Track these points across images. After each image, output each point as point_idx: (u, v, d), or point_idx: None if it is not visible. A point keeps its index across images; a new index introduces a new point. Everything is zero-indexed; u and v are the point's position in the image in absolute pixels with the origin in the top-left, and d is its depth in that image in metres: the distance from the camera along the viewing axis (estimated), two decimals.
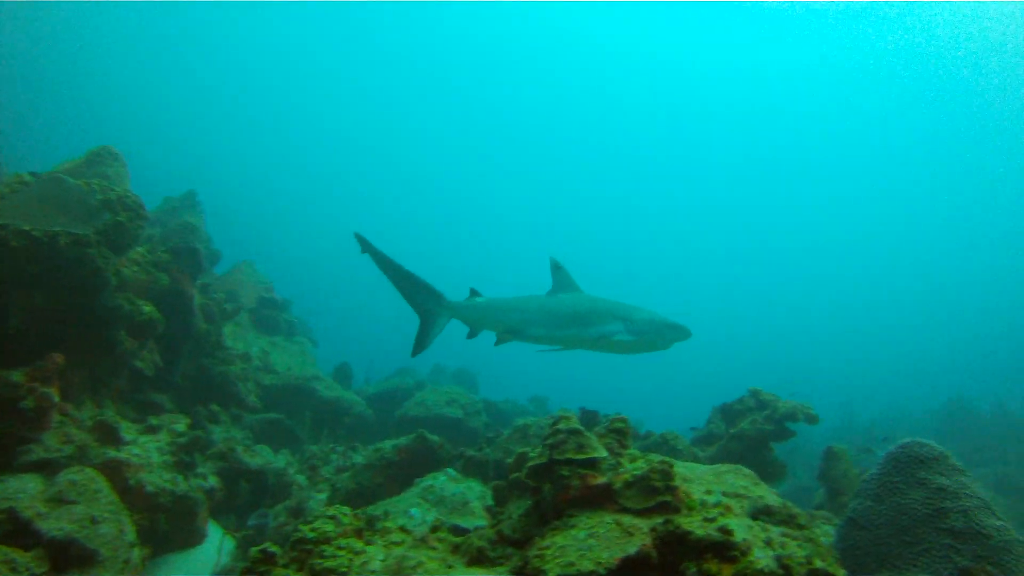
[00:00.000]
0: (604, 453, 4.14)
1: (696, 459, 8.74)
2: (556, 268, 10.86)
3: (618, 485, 3.98)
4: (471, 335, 11.11)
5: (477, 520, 6.80)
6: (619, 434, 4.46)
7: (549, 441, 4.16)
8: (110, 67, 63.55)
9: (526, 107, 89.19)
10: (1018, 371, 40.34)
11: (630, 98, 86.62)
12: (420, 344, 10.80)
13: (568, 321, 10.20)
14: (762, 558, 3.52)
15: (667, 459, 4.16)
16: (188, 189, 15.88)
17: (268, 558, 4.00)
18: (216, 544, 8.02)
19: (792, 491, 15.71)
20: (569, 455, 4.04)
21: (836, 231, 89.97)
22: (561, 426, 4.21)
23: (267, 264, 18.80)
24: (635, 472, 4.00)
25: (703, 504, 3.97)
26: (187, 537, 7.81)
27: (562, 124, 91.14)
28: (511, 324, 10.56)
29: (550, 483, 4.08)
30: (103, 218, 8.26)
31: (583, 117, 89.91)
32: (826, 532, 6.34)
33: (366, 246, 10.53)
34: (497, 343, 10.84)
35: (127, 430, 8.02)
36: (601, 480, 3.98)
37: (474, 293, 11.12)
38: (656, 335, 9.74)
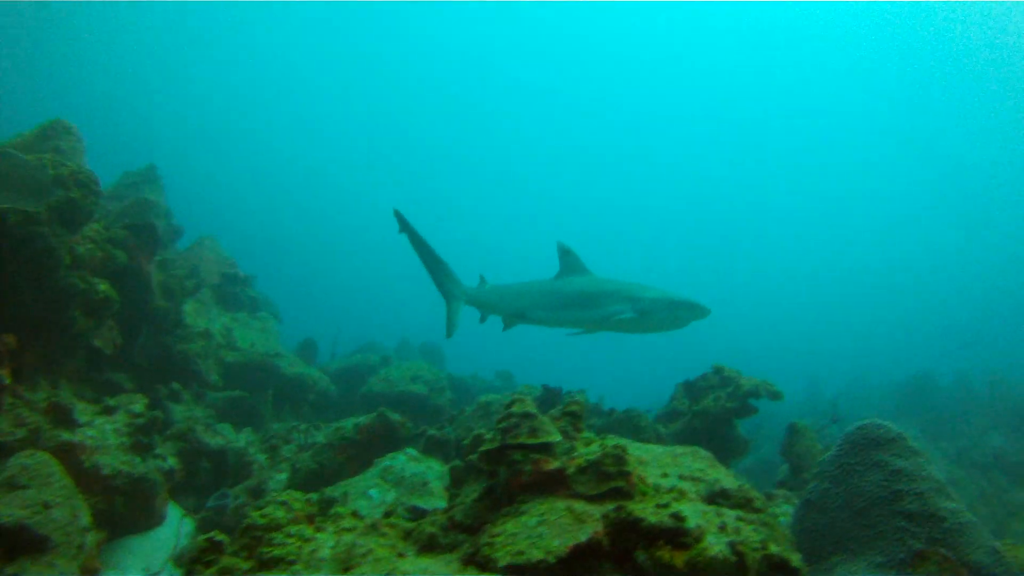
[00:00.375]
0: (558, 437, 4.08)
1: (659, 436, 8.73)
2: (564, 252, 10.94)
3: (571, 470, 3.92)
4: (482, 319, 11.68)
5: (436, 500, 6.75)
6: (573, 417, 4.40)
7: (502, 425, 4.10)
8: (71, 40, 62.16)
9: (506, 99, 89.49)
10: (980, 346, 40.91)
11: (629, 93, 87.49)
12: (451, 327, 11.21)
13: (574, 303, 10.30)
14: (715, 544, 3.49)
15: (621, 443, 4.11)
16: (148, 163, 15.59)
17: (215, 547, 3.93)
18: (175, 526, 7.93)
19: (758, 464, 15.84)
20: (522, 439, 3.97)
21: (804, 210, 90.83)
22: (515, 409, 4.14)
23: (231, 239, 18.60)
24: (588, 457, 3.95)
25: (657, 489, 3.94)
26: (145, 519, 7.68)
27: (553, 119, 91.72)
28: (516, 308, 10.81)
29: (504, 467, 4.03)
30: (55, 194, 8.07)
31: (580, 113, 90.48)
32: (786, 512, 6.35)
33: (404, 226, 10.77)
34: (505, 328, 11.21)
35: (82, 412, 7.87)
36: (554, 465, 3.93)
37: (483, 280, 11.62)
38: (667, 313, 9.70)
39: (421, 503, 6.81)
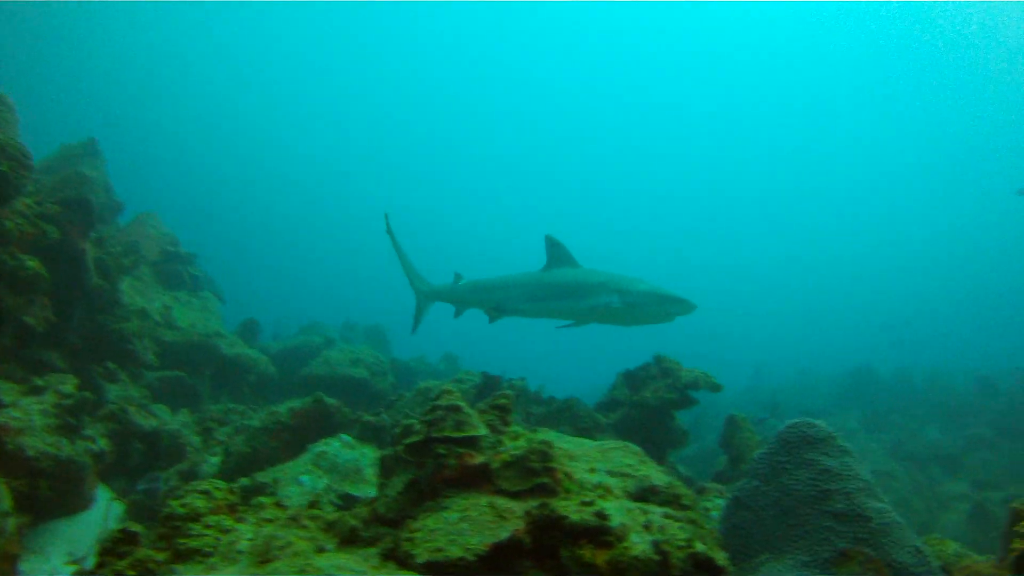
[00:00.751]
0: (484, 431, 4.02)
1: (598, 425, 8.71)
2: (553, 244, 10.96)
3: (496, 465, 3.87)
4: (457, 314, 12.06)
5: (370, 488, 6.67)
6: (501, 410, 4.34)
7: (427, 418, 4.04)
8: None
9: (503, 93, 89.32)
10: (909, 345, 41.70)
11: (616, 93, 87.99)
12: (416, 323, 12.48)
13: (561, 293, 10.45)
14: (639, 543, 3.46)
15: (548, 438, 4.07)
16: (89, 136, 15.21)
17: (129, 538, 3.81)
18: (104, 509, 7.77)
19: (700, 453, 15.98)
20: (447, 433, 3.91)
21: (760, 202, 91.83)
22: (441, 402, 4.08)
23: (176, 217, 18.22)
24: (514, 452, 3.90)
25: (583, 485, 3.89)
26: (72, 503, 7.50)
27: (551, 117, 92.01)
28: (495, 302, 11.03)
29: (429, 460, 3.97)
30: None
31: (573, 108, 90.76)
32: (718, 506, 6.36)
33: (389, 230, 11.74)
34: (491, 321, 11.36)
35: (8, 392, 7.64)
36: (479, 460, 3.87)
37: (457, 277, 11.94)
38: (655, 307, 9.87)
39: (354, 490, 6.74)
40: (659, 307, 9.86)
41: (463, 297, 11.78)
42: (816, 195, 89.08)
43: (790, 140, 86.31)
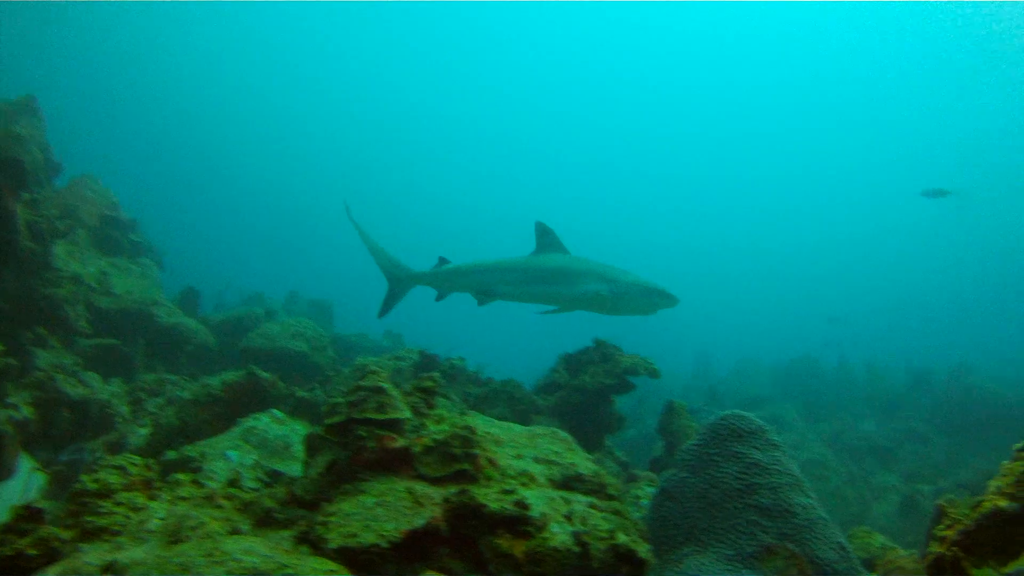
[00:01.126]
0: (407, 414, 3.92)
1: (536, 408, 8.69)
2: (543, 231, 10.96)
3: (417, 449, 3.78)
4: (439, 298, 11.95)
5: (298, 465, 6.54)
6: (426, 393, 4.25)
7: (350, 399, 3.93)
8: None
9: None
10: (846, 324, 42.43)
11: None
12: (386, 307, 12.29)
13: (549, 278, 10.51)
14: (559, 534, 3.40)
15: (473, 423, 3.98)
16: (28, 93, 14.78)
17: (33, 515, 3.65)
18: (23, 480, 7.56)
19: (639, 437, 16.05)
20: (368, 414, 3.81)
21: (711, 191, 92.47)
22: (365, 383, 3.97)
23: (118, 181, 17.81)
24: (436, 436, 3.81)
25: (504, 473, 3.82)
26: None
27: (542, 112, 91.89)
28: (481, 285, 11.02)
29: (351, 441, 3.87)
30: None
31: (564, 102, 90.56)
32: (648, 494, 6.35)
33: (351, 218, 11.93)
34: (480, 304, 11.30)
35: None
36: (400, 443, 3.77)
37: (442, 261, 11.78)
38: (642, 299, 9.96)
39: (282, 467, 6.62)
40: (646, 298, 9.96)
41: (448, 281, 11.70)
42: (766, 186, 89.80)
43: (745, 132, 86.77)
